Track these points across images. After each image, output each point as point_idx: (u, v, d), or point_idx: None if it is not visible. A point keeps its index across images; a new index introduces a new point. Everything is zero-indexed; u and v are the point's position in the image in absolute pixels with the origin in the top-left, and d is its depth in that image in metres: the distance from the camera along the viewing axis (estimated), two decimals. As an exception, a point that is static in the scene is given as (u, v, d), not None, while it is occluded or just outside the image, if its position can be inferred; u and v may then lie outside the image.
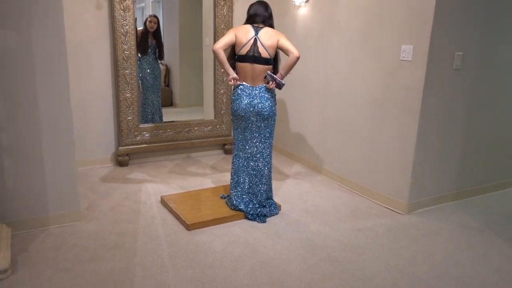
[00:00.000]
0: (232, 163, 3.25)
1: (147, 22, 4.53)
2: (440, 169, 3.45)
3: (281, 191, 3.74)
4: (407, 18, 3.16)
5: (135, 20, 4.08)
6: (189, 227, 2.96)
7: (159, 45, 4.66)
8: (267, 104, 3.09)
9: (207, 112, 4.87)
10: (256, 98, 3.08)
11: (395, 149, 3.37)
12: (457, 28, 3.15)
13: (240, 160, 3.20)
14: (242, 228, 3.03)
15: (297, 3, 4.28)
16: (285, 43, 3.08)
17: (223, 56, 3.02)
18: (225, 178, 3.98)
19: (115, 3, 3.92)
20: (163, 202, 3.36)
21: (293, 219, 3.20)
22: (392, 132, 3.39)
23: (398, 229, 3.09)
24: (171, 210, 3.22)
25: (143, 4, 5.36)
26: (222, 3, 4.44)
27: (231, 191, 3.26)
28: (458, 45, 3.19)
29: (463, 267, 2.61)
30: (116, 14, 3.94)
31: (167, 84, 5.46)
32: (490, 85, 3.53)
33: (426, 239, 2.96)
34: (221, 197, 3.42)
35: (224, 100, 4.68)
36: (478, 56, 3.34)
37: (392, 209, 3.41)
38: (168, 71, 5.45)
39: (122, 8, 3.95)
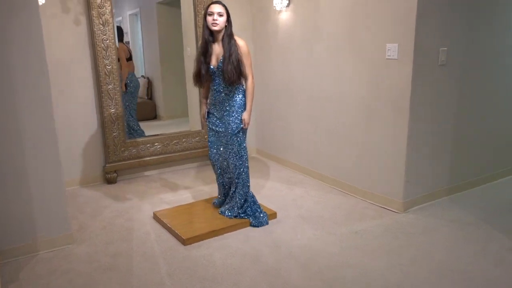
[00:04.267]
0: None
1: None
2: (432, 165, 3.45)
3: (275, 198, 3.69)
4: (390, 16, 3.17)
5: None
6: (185, 242, 2.89)
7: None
8: None
9: (192, 123, 4.81)
10: None
11: (387, 148, 3.37)
12: (441, 24, 3.17)
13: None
14: (239, 238, 2.98)
15: (278, 8, 4.26)
16: None
17: None
18: (217, 189, 3.91)
19: (94, 17, 3.84)
20: (156, 217, 3.28)
21: (290, 226, 3.15)
22: (383, 131, 3.38)
23: (395, 229, 3.07)
24: (165, 226, 3.14)
25: (120, 18, 5.28)
26: (203, 12, 4.38)
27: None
28: (442, 40, 3.21)
29: (465, 263, 2.61)
30: (95, 29, 3.86)
31: (150, 97, 5.39)
32: (476, 79, 3.56)
33: (424, 236, 2.95)
34: (214, 204, 3.41)
35: (210, 110, 4.62)
36: (462, 51, 3.36)
37: (388, 208, 3.40)
38: (150, 83, 5.38)
39: (101, 22, 3.88)
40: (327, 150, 3.99)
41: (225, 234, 3.03)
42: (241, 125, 3.07)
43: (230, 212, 3.19)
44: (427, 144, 3.37)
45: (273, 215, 3.28)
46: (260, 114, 4.96)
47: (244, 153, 3.13)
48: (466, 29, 3.35)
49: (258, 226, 3.13)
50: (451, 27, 3.24)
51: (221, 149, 3.15)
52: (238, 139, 3.08)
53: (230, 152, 3.11)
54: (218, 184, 3.36)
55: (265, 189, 3.95)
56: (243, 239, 2.96)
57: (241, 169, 3.14)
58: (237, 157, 3.11)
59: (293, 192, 3.85)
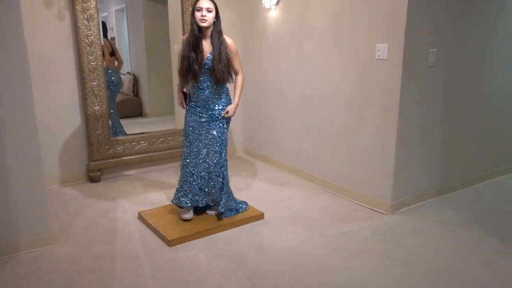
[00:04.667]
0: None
1: None
2: (421, 166, 3.44)
3: (263, 199, 3.64)
4: (380, 16, 3.14)
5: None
6: (170, 242, 2.82)
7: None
8: None
9: (179, 120, 4.73)
10: None
11: (375, 149, 3.34)
12: (431, 25, 3.15)
13: None
14: (226, 240, 2.92)
15: (267, 6, 4.21)
16: None
17: None
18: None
19: (78, 12, 3.73)
20: (141, 218, 3.21)
21: (277, 228, 3.10)
22: (372, 132, 3.36)
23: (384, 230, 3.05)
24: (150, 226, 3.07)
25: (106, 13, 5.17)
26: (190, 9, 4.31)
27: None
28: (431, 42, 3.19)
29: (455, 265, 2.59)
30: (79, 24, 3.76)
31: (136, 94, 5.29)
32: (465, 80, 3.56)
33: (413, 238, 2.93)
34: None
35: (198, 108, 4.55)
36: (451, 52, 3.35)
37: (376, 210, 3.38)
38: (136, 80, 5.28)
39: (86, 17, 3.77)
40: (316, 151, 3.95)
41: (211, 235, 2.97)
42: (222, 114, 3.03)
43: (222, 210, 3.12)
44: (416, 145, 3.35)
45: (261, 216, 3.23)
46: (248, 113, 4.90)
47: (225, 144, 3.10)
48: (456, 31, 3.34)
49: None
50: (441, 28, 3.23)
51: (202, 135, 3.02)
52: (222, 136, 3.05)
53: (211, 140, 3.02)
54: (185, 179, 3.11)
55: (252, 189, 3.90)
56: (229, 241, 2.90)
57: (223, 163, 3.10)
58: (219, 147, 3.04)
59: (282, 193, 3.80)
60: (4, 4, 2.44)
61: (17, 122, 2.60)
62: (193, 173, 3.04)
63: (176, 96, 3.17)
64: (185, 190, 3.07)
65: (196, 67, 2.89)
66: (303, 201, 3.61)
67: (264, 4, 4.22)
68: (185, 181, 3.07)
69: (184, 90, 3.11)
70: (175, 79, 4.64)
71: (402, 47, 3.02)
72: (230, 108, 3.04)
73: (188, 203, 3.05)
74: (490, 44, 3.67)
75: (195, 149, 3.03)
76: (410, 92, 3.15)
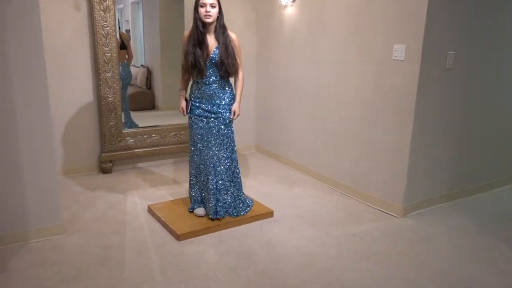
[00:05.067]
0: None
1: None
2: (434, 169, 3.40)
3: (273, 197, 3.63)
4: (399, 17, 3.09)
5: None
6: (179, 237, 2.82)
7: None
8: None
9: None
10: None
11: (388, 150, 3.30)
12: (449, 27, 3.10)
13: None
14: (235, 236, 2.91)
15: (283, 3, 4.18)
16: None
17: None
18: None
19: (95, 3, 3.74)
20: (151, 211, 3.21)
21: (287, 226, 3.09)
22: (385, 133, 3.32)
23: (395, 233, 3.01)
24: (159, 220, 3.08)
25: (121, 5, 5.18)
26: (194, 4, 4.29)
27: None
28: (450, 44, 3.14)
29: (465, 272, 2.55)
30: (96, 15, 3.76)
31: (149, 86, 5.30)
32: (482, 85, 3.50)
33: (424, 243, 2.89)
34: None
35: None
36: (470, 55, 3.29)
37: (387, 212, 3.34)
38: (149, 73, 5.29)
39: (102, 8, 3.78)
40: (328, 150, 3.92)
41: (220, 231, 2.97)
42: (231, 117, 3.02)
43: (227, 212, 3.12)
44: (431, 148, 3.31)
45: (270, 214, 3.22)
46: (261, 110, 4.89)
47: (234, 147, 3.12)
48: (475, 34, 3.28)
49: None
50: (460, 30, 3.17)
51: (212, 142, 3.01)
52: (230, 131, 3.06)
53: (221, 145, 3.02)
54: (194, 187, 3.16)
55: (263, 186, 3.88)
56: (239, 237, 2.90)
57: (234, 165, 3.12)
58: (229, 150, 3.06)
59: (292, 191, 3.79)
60: (23, -6, 2.45)
61: (30, 112, 2.61)
62: (208, 182, 3.04)
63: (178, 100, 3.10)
64: (204, 201, 3.11)
65: (201, 62, 2.88)
66: (313, 200, 3.59)
67: (280, 1, 4.19)
68: (202, 190, 3.10)
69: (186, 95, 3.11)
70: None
71: (420, 48, 2.97)
72: (235, 107, 3.03)
73: (208, 212, 3.09)
74: (510, 47, 3.60)
75: (206, 157, 3.02)
76: (426, 94, 3.11)
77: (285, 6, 4.22)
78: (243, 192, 3.27)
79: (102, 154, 4.06)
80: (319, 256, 2.68)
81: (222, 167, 3.05)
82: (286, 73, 4.36)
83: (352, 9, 3.48)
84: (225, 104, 3.01)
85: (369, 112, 3.43)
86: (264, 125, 4.86)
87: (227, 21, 4.41)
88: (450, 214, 3.36)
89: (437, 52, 3.08)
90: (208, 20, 2.84)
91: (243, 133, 4.93)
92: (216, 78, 2.96)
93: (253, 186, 3.86)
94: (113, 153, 4.09)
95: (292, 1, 4.12)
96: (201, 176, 3.08)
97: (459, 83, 3.31)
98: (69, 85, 3.87)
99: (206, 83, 2.96)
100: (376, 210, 3.39)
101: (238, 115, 3.05)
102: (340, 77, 3.67)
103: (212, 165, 3.01)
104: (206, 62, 2.90)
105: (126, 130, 4.15)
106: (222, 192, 3.06)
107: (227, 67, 2.90)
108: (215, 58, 2.90)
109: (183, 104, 3.05)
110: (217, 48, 2.91)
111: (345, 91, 3.64)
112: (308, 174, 4.19)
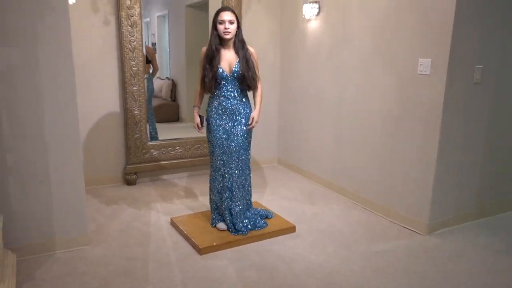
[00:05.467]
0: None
1: None
2: (462, 186, 3.32)
3: (295, 211, 3.61)
4: (424, 30, 3.06)
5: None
6: (201, 251, 2.84)
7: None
8: None
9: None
10: None
11: (414, 165, 3.25)
12: (477, 41, 3.05)
13: None
14: (257, 251, 2.91)
15: (307, 17, 4.19)
16: None
17: None
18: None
19: (122, 19, 3.85)
20: (173, 223, 3.24)
21: (309, 241, 3.07)
22: (410, 147, 3.27)
23: (420, 252, 2.95)
24: (181, 233, 3.10)
25: (148, 19, 5.30)
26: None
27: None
28: (477, 58, 3.08)
29: (493, 293, 2.47)
30: (123, 30, 3.86)
31: (174, 99, 5.38)
32: (511, 99, 3.41)
33: (451, 262, 2.82)
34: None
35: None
36: (498, 69, 3.23)
37: (411, 229, 3.28)
38: (174, 85, 5.37)
39: (130, 24, 3.88)
40: (351, 164, 3.89)
41: (242, 246, 2.97)
42: (249, 123, 3.04)
43: (246, 227, 3.12)
44: (458, 164, 3.24)
45: (292, 229, 3.20)
46: (283, 123, 4.89)
47: (249, 163, 3.15)
48: (504, 47, 3.21)
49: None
50: (488, 44, 3.12)
51: (231, 160, 3.03)
52: (247, 148, 3.09)
53: (238, 162, 3.04)
54: (215, 202, 3.17)
55: (285, 200, 3.87)
56: (260, 252, 2.89)
57: (247, 180, 3.16)
58: (246, 166, 3.09)
59: (314, 206, 3.76)
60: (54, 10, 2.54)
61: (60, 124, 2.69)
62: (226, 198, 3.06)
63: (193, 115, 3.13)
64: (224, 215, 3.12)
65: (219, 77, 2.93)
66: (335, 214, 3.56)
67: (304, 15, 4.21)
68: (223, 205, 3.09)
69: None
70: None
71: (446, 62, 2.93)
72: (254, 114, 3.05)
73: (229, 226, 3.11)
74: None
75: (225, 173, 3.04)
76: (453, 109, 3.05)
77: (309, 20, 4.24)
78: (251, 206, 3.29)
79: (127, 166, 4.13)
80: (342, 272, 2.65)
81: (239, 183, 3.07)
82: (309, 86, 4.36)
83: (376, 22, 3.46)
84: (245, 120, 3.04)
85: (394, 126, 3.39)
86: (286, 138, 4.86)
87: (252, 34, 4.47)
88: (478, 232, 3.27)
89: (464, 66, 3.03)
90: (227, 37, 2.89)
91: (265, 145, 4.94)
92: (237, 92, 2.99)
93: (274, 200, 3.85)
94: (137, 165, 4.16)
95: (316, 15, 4.13)
96: (221, 191, 3.10)
97: (487, 98, 3.24)
98: (96, 97, 3.97)
99: (226, 97, 2.99)
100: (400, 227, 3.33)
101: (256, 122, 3.06)
102: (364, 90, 3.65)
103: (230, 182, 3.03)
104: (218, 76, 2.94)
105: (150, 143, 4.22)
106: (241, 206, 3.08)
107: (248, 80, 2.95)
108: (236, 71, 2.94)
109: (198, 120, 3.08)
110: (238, 62, 2.95)
111: (369, 105, 3.61)
112: (330, 188, 4.16)
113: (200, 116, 3.09)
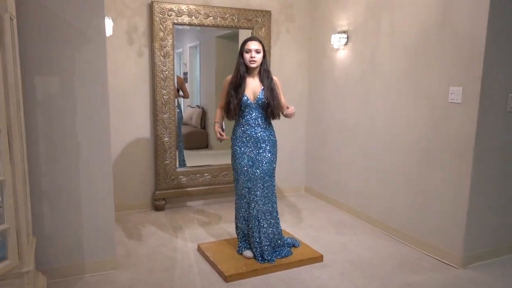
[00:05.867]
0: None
1: None
2: (498, 217, 3.18)
3: (322, 240, 3.54)
4: (454, 58, 3.03)
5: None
6: (227, 278, 2.81)
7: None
8: None
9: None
10: None
11: (446, 196, 3.15)
12: (509, 68, 2.98)
13: None
14: (283, 280, 2.86)
15: (335, 46, 4.24)
16: None
17: None
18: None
19: (156, 49, 4.00)
20: (200, 250, 3.24)
21: (337, 272, 2.99)
22: (441, 177, 3.18)
23: (455, 285, 2.82)
24: (208, 259, 3.09)
25: (181, 50, 5.48)
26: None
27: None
28: (511, 86, 3.01)
29: (534, 333, 2.32)
30: (156, 61, 4.01)
31: (203, 126, 5.48)
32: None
33: (487, 297, 2.68)
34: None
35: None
36: (533, 97, 3.14)
37: (445, 261, 3.15)
38: (204, 113, 5.48)
39: (163, 54, 4.03)
40: (380, 194, 3.81)
41: (267, 274, 2.93)
42: (275, 161, 3.08)
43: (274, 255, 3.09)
44: (493, 194, 3.12)
45: (319, 258, 3.14)
46: (311, 151, 4.88)
47: (275, 189, 3.15)
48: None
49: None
50: (522, 71, 3.05)
51: (256, 187, 3.03)
52: (272, 175, 3.09)
53: (263, 189, 3.04)
54: (241, 229, 3.16)
55: (312, 229, 3.81)
56: (287, 281, 2.84)
57: (274, 208, 3.14)
58: (271, 193, 3.09)
59: (342, 235, 3.68)
60: (92, 42, 2.68)
61: (92, 150, 2.78)
62: (253, 225, 3.04)
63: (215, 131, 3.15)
64: (252, 241, 3.09)
65: (243, 104, 2.98)
66: (364, 245, 3.46)
67: (332, 45, 4.25)
68: (250, 233, 3.08)
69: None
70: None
71: (478, 91, 2.88)
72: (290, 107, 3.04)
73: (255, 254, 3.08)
74: None
75: (250, 201, 3.04)
76: (486, 139, 2.97)
77: (337, 49, 4.28)
78: (281, 234, 3.24)
79: (156, 192, 4.20)
80: (371, 306, 2.56)
81: (266, 210, 3.05)
82: (338, 114, 4.36)
83: (406, 51, 3.46)
84: (270, 149, 3.06)
85: (424, 155, 3.31)
86: (314, 166, 4.83)
87: (281, 64, 4.55)
88: (517, 267, 3.10)
89: (496, 95, 2.96)
90: (253, 65, 2.97)
91: (293, 173, 4.92)
92: (261, 120, 3.03)
93: (302, 229, 3.80)
94: (166, 191, 4.22)
95: (344, 44, 4.16)
96: (247, 219, 3.09)
97: (522, 127, 3.14)
98: (129, 124, 4.09)
99: (251, 125, 3.03)
100: (432, 259, 3.21)
101: (293, 111, 3.01)
102: (394, 119, 3.61)
103: (256, 209, 3.02)
104: (241, 106, 2.99)
105: (179, 169, 4.29)
106: (267, 234, 3.05)
107: (273, 108, 3.00)
108: (261, 99, 2.98)
109: (220, 130, 3.09)
110: (262, 90, 2.99)
111: (399, 133, 3.56)
112: (359, 217, 4.07)
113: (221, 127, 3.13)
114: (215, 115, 3.20)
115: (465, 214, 3.01)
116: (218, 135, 3.10)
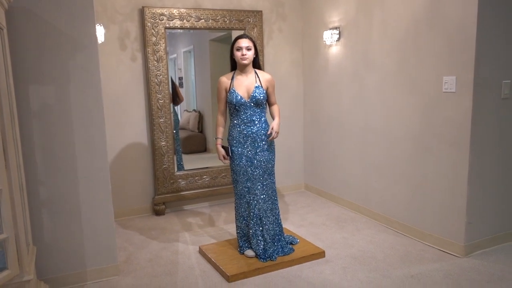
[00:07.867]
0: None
1: None
2: (497, 205, 3.18)
3: (324, 236, 3.54)
4: (446, 48, 3.04)
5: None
6: (229, 278, 2.81)
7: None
8: None
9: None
10: None
11: (445, 186, 3.15)
12: (502, 55, 2.99)
13: None
14: (286, 277, 2.85)
15: (328, 43, 4.24)
16: None
17: None
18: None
19: (149, 54, 4.00)
20: (202, 252, 3.24)
21: (340, 267, 2.98)
22: (439, 167, 3.18)
23: (458, 275, 2.81)
24: (210, 261, 3.09)
25: (175, 55, 5.49)
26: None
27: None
28: (505, 72, 3.02)
29: (539, 318, 2.32)
30: (150, 65, 4.01)
31: (200, 130, 5.48)
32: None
33: (491, 285, 2.67)
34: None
35: (259, 143, 4.60)
36: (527, 83, 3.14)
37: (447, 251, 3.14)
38: (201, 117, 5.48)
39: (156, 59, 4.03)
40: (379, 187, 3.81)
41: (270, 273, 2.92)
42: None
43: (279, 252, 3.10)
44: (491, 182, 3.12)
45: (322, 254, 3.13)
46: (309, 148, 4.88)
47: (275, 187, 3.18)
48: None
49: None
50: (514, 58, 3.05)
51: (256, 185, 3.04)
52: (271, 173, 3.11)
53: (262, 187, 3.05)
54: (242, 229, 3.15)
55: (313, 226, 3.81)
56: (290, 279, 2.83)
57: (275, 205, 3.16)
58: (272, 191, 3.11)
59: (343, 230, 3.68)
60: (85, 49, 2.68)
61: (90, 158, 2.77)
62: (253, 224, 3.05)
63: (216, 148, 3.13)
64: (253, 240, 3.08)
65: (237, 103, 2.99)
66: (366, 239, 3.46)
67: (325, 41, 4.26)
68: (251, 232, 3.07)
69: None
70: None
71: (471, 79, 2.88)
72: (274, 124, 3.01)
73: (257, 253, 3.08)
74: None
75: (250, 200, 3.04)
76: (482, 127, 2.97)
77: (330, 45, 4.28)
78: (282, 232, 3.25)
79: (156, 196, 4.19)
80: (375, 299, 2.55)
81: (267, 208, 3.05)
82: (333, 110, 4.36)
83: (397, 43, 3.46)
84: (267, 147, 3.06)
85: (421, 146, 3.32)
86: (313, 163, 4.83)
87: (275, 63, 4.56)
88: (519, 254, 3.10)
89: (490, 82, 2.97)
90: (245, 62, 2.97)
91: (291, 172, 4.92)
92: (256, 118, 3.02)
93: (303, 226, 3.80)
94: (165, 195, 4.22)
95: (337, 40, 4.17)
96: (247, 218, 3.09)
97: (517, 113, 3.14)
98: (125, 130, 4.09)
99: (247, 125, 3.02)
100: (435, 250, 3.20)
101: (277, 133, 3.01)
102: (389, 112, 3.62)
103: (257, 208, 3.03)
104: (244, 102, 3.00)
105: (178, 173, 4.28)
106: (269, 231, 3.05)
107: (269, 103, 3.14)
108: (255, 97, 2.98)
109: (222, 152, 3.07)
110: (256, 87, 3.00)
111: (395, 126, 3.56)
112: (360, 212, 4.07)
113: (223, 147, 3.10)
114: (216, 125, 3.15)
115: (465, 204, 3.01)
116: (221, 157, 3.08)
